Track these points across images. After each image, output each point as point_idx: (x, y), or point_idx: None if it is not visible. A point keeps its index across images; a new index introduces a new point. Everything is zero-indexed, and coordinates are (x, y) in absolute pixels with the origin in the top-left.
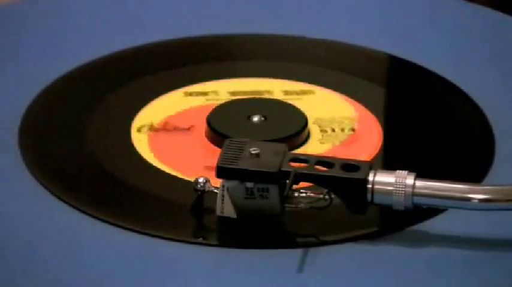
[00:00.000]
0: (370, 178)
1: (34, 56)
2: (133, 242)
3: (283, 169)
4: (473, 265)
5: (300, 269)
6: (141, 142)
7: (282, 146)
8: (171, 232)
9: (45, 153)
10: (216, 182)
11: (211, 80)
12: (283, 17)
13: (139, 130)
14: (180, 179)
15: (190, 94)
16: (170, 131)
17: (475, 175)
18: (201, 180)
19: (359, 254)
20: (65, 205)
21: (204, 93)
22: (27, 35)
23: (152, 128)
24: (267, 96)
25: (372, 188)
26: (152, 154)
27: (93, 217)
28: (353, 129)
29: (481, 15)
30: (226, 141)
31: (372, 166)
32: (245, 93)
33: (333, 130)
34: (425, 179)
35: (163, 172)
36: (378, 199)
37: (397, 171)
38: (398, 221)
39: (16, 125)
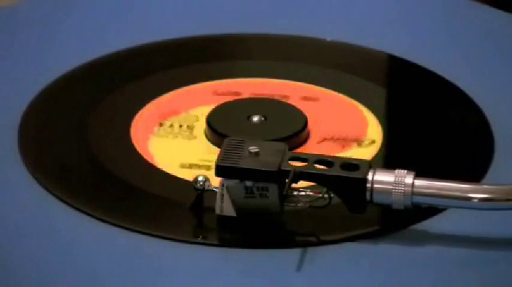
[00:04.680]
0: (370, 177)
1: (34, 56)
2: (133, 242)
3: (283, 167)
4: (473, 264)
5: (300, 269)
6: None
7: (281, 145)
8: (171, 232)
9: (45, 153)
10: (216, 181)
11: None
12: (283, 17)
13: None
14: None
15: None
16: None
17: (474, 174)
18: (200, 179)
19: (359, 254)
20: (65, 205)
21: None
22: (27, 35)
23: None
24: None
25: (372, 187)
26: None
27: (93, 217)
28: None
29: (481, 14)
30: (226, 140)
31: (371, 165)
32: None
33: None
34: (424, 179)
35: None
36: (377, 198)
37: (397, 170)
38: (397, 220)
39: (16, 125)
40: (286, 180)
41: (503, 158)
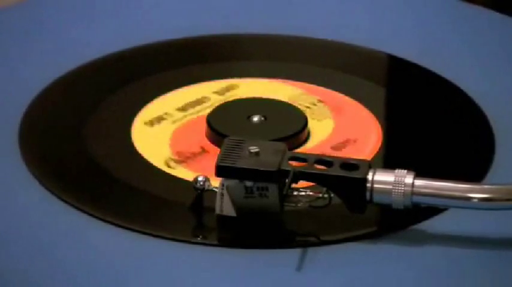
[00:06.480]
0: (370, 176)
1: (34, 56)
2: (132, 242)
3: (283, 167)
4: (473, 264)
5: (300, 269)
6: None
7: (281, 145)
8: (171, 232)
9: (45, 153)
10: (216, 181)
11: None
12: (284, 17)
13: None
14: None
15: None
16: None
17: (474, 174)
18: (200, 179)
19: (359, 254)
20: (65, 204)
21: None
22: (27, 35)
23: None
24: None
25: (371, 187)
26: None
27: (93, 216)
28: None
29: (480, 16)
30: (226, 140)
31: (371, 164)
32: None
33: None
34: (424, 178)
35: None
36: (377, 198)
37: (397, 170)
38: (397, 220)
39: (16, 125)
40: (286, 180)
41: (503, 158)
